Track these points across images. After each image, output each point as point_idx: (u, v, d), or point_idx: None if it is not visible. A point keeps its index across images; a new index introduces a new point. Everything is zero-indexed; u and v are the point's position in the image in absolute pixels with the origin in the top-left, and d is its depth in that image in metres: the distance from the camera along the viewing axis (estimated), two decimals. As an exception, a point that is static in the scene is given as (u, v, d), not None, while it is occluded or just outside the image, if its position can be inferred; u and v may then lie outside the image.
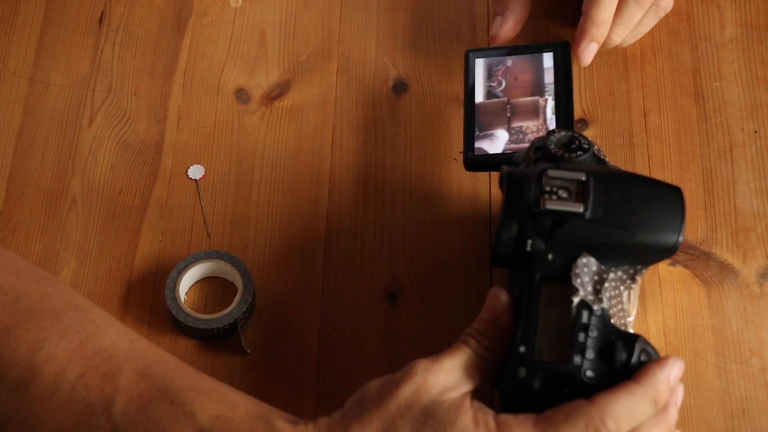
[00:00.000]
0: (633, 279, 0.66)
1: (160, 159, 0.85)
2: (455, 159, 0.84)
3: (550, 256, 0.66)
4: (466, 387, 0.64)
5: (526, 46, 0.84)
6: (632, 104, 0.86)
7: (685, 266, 0.80)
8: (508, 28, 0.84)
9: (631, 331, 0.66)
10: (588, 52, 0.82)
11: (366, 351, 0.77)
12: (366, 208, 0.82)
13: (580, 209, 0.66)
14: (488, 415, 0.62)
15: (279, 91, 0.88)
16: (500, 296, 0.66)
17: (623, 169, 0.71)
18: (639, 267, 0.67)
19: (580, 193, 0.66)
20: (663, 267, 0.79)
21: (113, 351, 0.65)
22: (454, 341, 0.66)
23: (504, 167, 0.70)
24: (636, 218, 0.66)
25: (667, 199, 0.67)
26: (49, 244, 0.81)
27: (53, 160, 0.85)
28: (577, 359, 0.63)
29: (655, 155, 0.84)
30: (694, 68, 0.88)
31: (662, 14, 0.85)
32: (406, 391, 0.62)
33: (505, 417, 0.62)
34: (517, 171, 0.69)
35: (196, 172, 0.84)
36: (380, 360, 0.77)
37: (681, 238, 0.67)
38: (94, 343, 0.65)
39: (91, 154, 0.85)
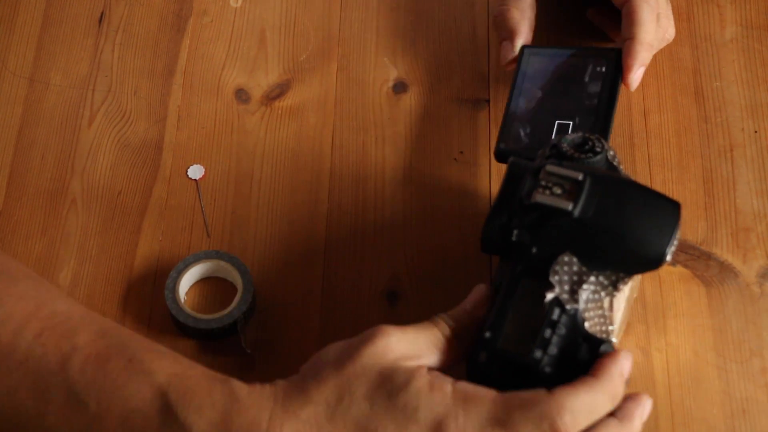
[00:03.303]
0: (615, 287, 0.66)
1: (160, 159, 0.85)
2: (455, 159, 0.84)
3: (533, 250, 0.66)
4: (425, 361, 0.64)
5: (582, 48, 0.84)
6: (632, 104, 0.86)
7: (685, 266, 0.80)
8: (517, 51, 0.84)
9: (614, 340, 0.66)
10: (638, 76, 0.81)
11: (366, 351, 0.77)
12: (366, 208, 0.82)
13: (569, 207, 0.66)
14: (445, 381, 0.62)
15: (279, 91, 0.88)
16: (482, 289, 0.67)
17: (633, 178, 0.71)
18: (622, 275, 0.66)
19: (572, 191, 0.67)
20: (663, 267, 0.79)
21: (70, 314, 0.66)
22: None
23: (512, 158, 0.70)
24: (625, 226, 0.66)
25: (662, 212, 0.67)
26: (49, 244, 0.81)
27: (53, 160, 0.85)
28: (538, 353, 0.63)
29: (655, 155, 0.84)
30: (694, 68, 0.88)
31: (663, 45, 0.85)
32: (365, 353, 0.62)
33: (463, 385, 0.62)
34: (521, 162, 0.69)
35: (196, 172, 0.84)
36: (380, 360, 0.77)
37: (669, 254, 0.66)
38: (50, 306, 0.66)
39: (91, 154, 0.85)
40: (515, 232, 0.67)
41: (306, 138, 0.86)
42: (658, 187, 0.83)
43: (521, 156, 0.74)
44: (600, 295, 0.66)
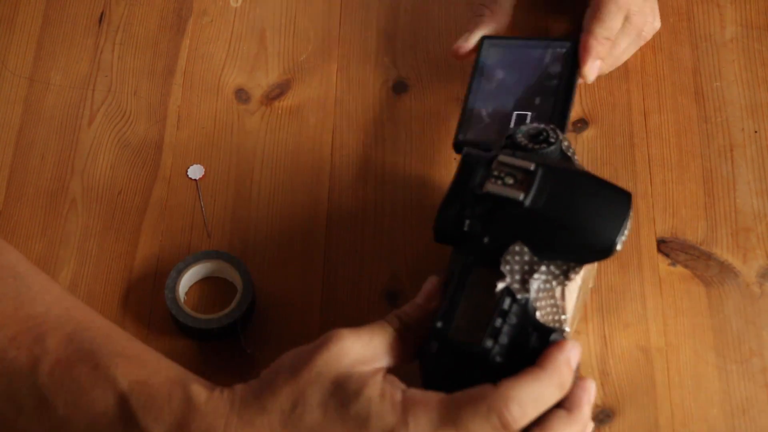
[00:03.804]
0: (566, 276, 0.66)
1: (160, 159, 0.85)
2: (455, 159, 0.84)
3: (485, 240, 0.66)
4: (381, 363, 0.64)
5: (541, 39, 0.84)
6: (632, 104, 0.86)
7: (685, 266, 0.80)
8: (471, 44, 0.84)
9: (567, 329, 0.66)
10: (593, 69, 0.81)
11: (366, 351, 0.77)
12: (366, 208, 0.82)
13: (520, 197, 0.66)
14: (396, 389, 0.62)
15: (279, 91, 0.88)
16: (434, 281, 0.67)
17: (586, 169, 0.71)
18: (573, 265, 0.66)
19: (524, 181, 0.67)
20: (663, 267, 0.79)
21: (47, 317, 0.66)
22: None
23: (465, 148, 0.70)
24: (576, 216, 0.66)
25: (613, 202, 0.67)
26: (49, 244, 0.81)
27: (53, 160, 0.85)
28: (488, 342, 0.63)
29: (655, 155, 0.84)
30: (694, 68, 0.88)
31: (642, 43, 0.86)
32: (320, 360, 0.62)
33: (412, 392, 0.62)
34: (474, 153, 0.70)
35: (196, 172, 0.84)
36: (380, 360, 0.77)
37: (618, 243, 0.66)
38: (28, 309, 0.66)
39: (91, 154, 0.85)
40: (467, 222, 0.67)
41: (306, 138, 0.86)
42: (658, 187, 0.83)
43: (480, 147, 0.74)
44: (551, 284, 0.66)
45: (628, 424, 0.74)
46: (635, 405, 0.75)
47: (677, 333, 0.77)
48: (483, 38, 0.83)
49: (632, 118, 0.86)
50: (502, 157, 0.68)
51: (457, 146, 0.79)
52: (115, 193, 0.83)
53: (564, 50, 0.82)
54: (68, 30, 0.91)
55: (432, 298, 0.67)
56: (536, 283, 0.65)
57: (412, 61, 0.89)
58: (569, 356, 0.63)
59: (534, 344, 0.64)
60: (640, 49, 0.88)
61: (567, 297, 0.67)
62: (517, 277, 0.65)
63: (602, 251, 0.66)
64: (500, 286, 0.65)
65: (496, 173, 0.67)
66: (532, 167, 0.67)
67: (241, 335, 0.76)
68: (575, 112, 0.86)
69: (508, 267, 0.65)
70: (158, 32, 0.91)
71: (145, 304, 0.79)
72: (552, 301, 0.65)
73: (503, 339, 0.63)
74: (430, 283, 0.68)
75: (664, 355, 0.76)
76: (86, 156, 0.85)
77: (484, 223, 0.66)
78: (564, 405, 0.63)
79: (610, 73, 0.87)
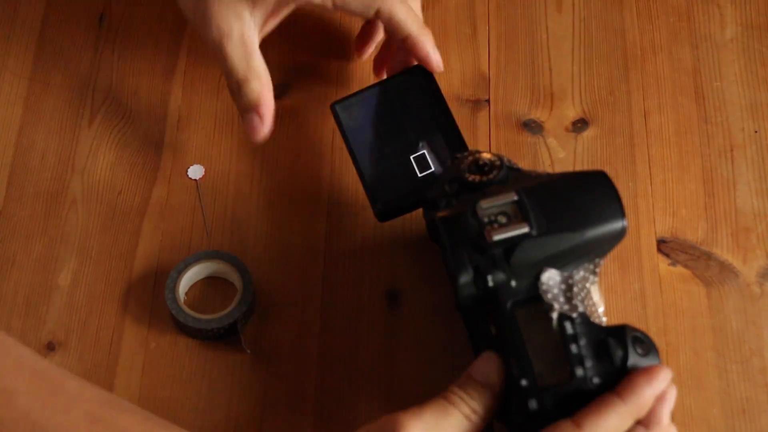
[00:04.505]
0: (594, 273, 0.67)
1: (160, 159, 0.85)
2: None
3: (513, 283, 0.66)
4: None
5: (385, 81, 0.82)
6: (632, 104, 0.86)
7: (685, 266, 0.80)
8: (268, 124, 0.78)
9: (604, 319, 0.66)
10: (439, 57, 0.80)
11: (366, 351, 0.77)
12: (366, 208, 0.82)
13: (527, 229, 0.66)
14: None
15: (279, 91, 0.88)
16: (494, 360, 0.65)
17: (543, 171, 0.71)
18: (597, 260, 0.67)
19: (518, 213, 0.67)
20: (663, 267, 0.79)
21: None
22: (442, 389, 0.65)
23: (431, 213, 0.69)
24: (579, 217, 0.67)
25: (598, 187, 0.68)
26: (49, 244, 0.81)
27: (53, 160, 0.85)
28: (579, 371, 0.63)
29: (655, 155, 0.84)
30: (694, 68, 0.88)
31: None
32: None
33: None
34: (450, 213, 0.68)
35: (196, 172, 0.84)
36: (380, 360, 0.77)
37: (626, 220, 0.67)
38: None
39: (91, 154, 0.85)
40: (489, 277, 0.66)
41: (306, 138, 0.86)
42: (658, 187, 0.83)
43: (402, 206, 0.75)
44: (587, 288, 0.66)
45: (628, 424, 0.74)
46: (635, 405, 0.75)
47: (677, 333, 0.77)
48: (333, 105, 0.81)
49: (632, 118, 0.86)
50: (483, 202, 0.67)
51: (381, 214, 0.78)
52: (115, 193, 0.83)
53: (413, 78, 0.81)
54: (68, 30, 0.91)
55: (494, 379, 0.64)
56: (579, 295, 0.65)
57: (411, 62, 0.89)
58: (656, 389, 0.62)
59: (616, 350, 0.63)
60: (641, 48, 0.88)
61: (597, 290, 0.67)
62: (562, 299, 0.65)
63: (618, 233, 0.67)
64: (554, 316, 0.64)
65: (487, 219, 0.67)
66: (516, 197, 0.67)
67: (241, 335, 0.76)
68: (575, 112, 0.86)
69: (549, 295, 0.65)
70: (158, 32, 0.91)
71: (145, 304, 0.79)
72: (591, 302, 0.66)
73: (588, 361, 0.63)
74: (487, 360, 0.65)
75: (664, 355, 0.76)
76: (86, 156, 0.85)
77: (505, 269, 0.66)
78: (643, 423, 0.63)
79: (610, 72, 0.87)
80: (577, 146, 0.84)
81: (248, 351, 0.76)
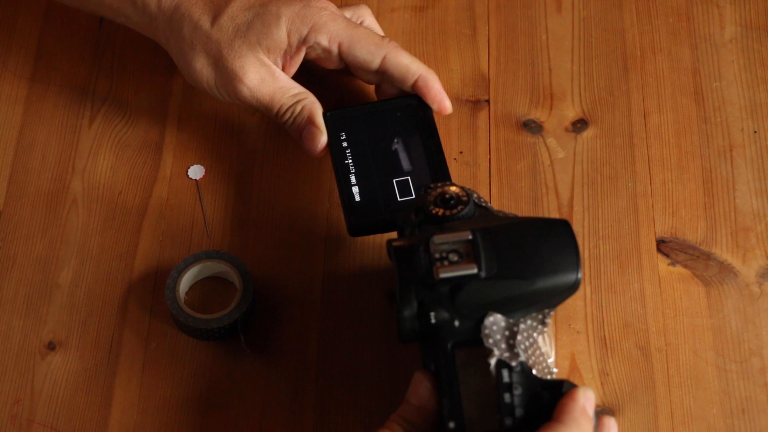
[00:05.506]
0: (543, 323, 0.65)
1: (160, 159, 0.85)
2: (455, 159, 0.84)
3: (456, 323, 0.64)
4: None
5: (381, 102, 0.82)
6: (632, 104, 0.86)
7: (685, 266, 0.80)
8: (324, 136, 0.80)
9: (554, 371, 0.65)
10: (448, 101, 0.81)
11: (366, 350, 0.77)
12: (366, 208, 0.82)
13: (475, 270, 0.64)
14: None
15: (279, 91, 0.88)
16: (424, 381, 0.65)
17: (512, 214, 0.70)
18: (546, 311, 0.66)
19: (470, 253, 0.65)
20: (663, 267, 0.79)
21: None
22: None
23: (389, 240, 0.68)
24: (531, 265, 0.65)
25: (557, 237, 0.66)
26: (50, 244, 0.81)
27: (53, 160, 0.85)
28: (508, 421, 0.62)
29: (655, 155, 0.84)
30: (694, 68, 0.88)
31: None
32: None
33: None
34: (404, 244, 0.67)
35: (196, 172, 0.84)
36: (380, 360, 0.77)
37: (580, 274, 0.65)
38: None
39: (91, 154, 0.85)
40: (432, 314, 0.64)
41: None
42: (657, 187, 0.83)
43: (375, 225, 0.74)
44: (533, 338, 0.65)
45: (628, 424, 0.74)
46: (635, 404, 0.75)
47: (677, 333, 0.77)
48: (326, 113, 0.81)
49: (632, 118, 0.86)
50: (437, 238, 0.65)
51: (354, 229, 0.77)
52: (116, 193, 0.83)
53: (409, 107, 0.81)
54: (68, 30, 0.91)
55: (425, 398, 0.65)
56: (522, 343, 0.64)
57: (412, 61, 0.89)
58: (584, 405, 0.62)
59: (548, 402, 0.63)
60: (641, 49, 0.88)
61: (547, 341, 0.66)
62: (503, 346, 0.64)
63: (570, 287, 0.65)
64: (492, 362, 0.63)
65: (437, 255, 0.65)
66: (470, 236, 0.65)
67: (241, 335, 0.76)
68: (575, 112, 0.86)
69: (491, 340, 0.64)
70: (158, 32, 0.91)
71: (145, 304, 0.79)
72: (538, 352, 0.65)
73: (519, 411, 0.62)
74: (418, 382, 0.65)
75: (664, 354, 0.76)
76: (87, 156, 0.85)
77: (449, 308, 0.64)
78: None
79: (610, 72, 0.87)
80: (577, 146, 0.84)
81: (248, 351, 0.76)
